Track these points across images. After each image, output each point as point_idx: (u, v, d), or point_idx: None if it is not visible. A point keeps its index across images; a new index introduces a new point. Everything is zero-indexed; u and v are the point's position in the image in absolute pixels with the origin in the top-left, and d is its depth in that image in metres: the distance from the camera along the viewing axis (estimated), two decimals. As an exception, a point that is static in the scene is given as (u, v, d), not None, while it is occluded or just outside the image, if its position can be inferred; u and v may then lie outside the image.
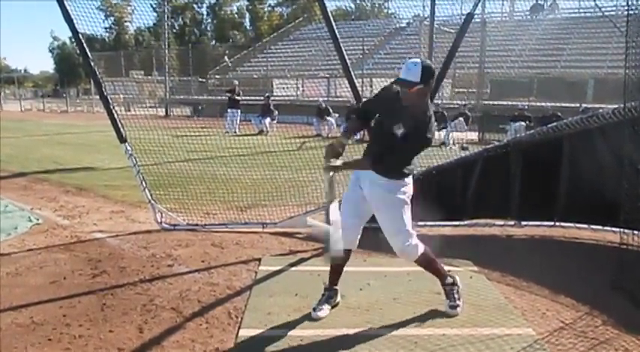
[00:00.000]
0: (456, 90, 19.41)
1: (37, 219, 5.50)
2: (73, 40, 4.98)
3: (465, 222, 5.23)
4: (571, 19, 21.75)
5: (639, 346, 2.92)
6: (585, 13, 19.95)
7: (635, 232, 3.71)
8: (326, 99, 17.78)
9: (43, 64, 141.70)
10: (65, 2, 4.67)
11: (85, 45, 4.87)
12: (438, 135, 13.74)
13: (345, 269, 4.11)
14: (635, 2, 3.67)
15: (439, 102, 14.06)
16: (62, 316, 3.20)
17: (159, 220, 5.22)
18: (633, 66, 3.66)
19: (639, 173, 3.59)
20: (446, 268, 3.78)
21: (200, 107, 21.11)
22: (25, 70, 65.42)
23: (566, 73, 19.52)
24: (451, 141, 13.00)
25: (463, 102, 15.52)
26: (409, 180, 3.13)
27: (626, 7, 3.76)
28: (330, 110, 15.95)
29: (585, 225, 5.08)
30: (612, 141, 4.41)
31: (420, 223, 5.23)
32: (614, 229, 4.47)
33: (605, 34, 16.90)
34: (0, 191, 6.95)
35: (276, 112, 16.56)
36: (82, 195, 6.89)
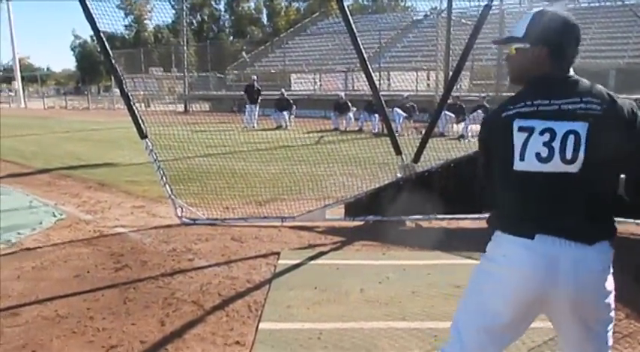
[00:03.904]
0: (474, 82, 19.15)
1: (61, 214, 5.62)
2: (95, 38, 5.05)
3: (485, 215, 5.17)
4: (590, 8, 21.22)
5: (663, 340, 2.86)
6: (605, 2, 19.45)
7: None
8: (344, 93, 17.72)
9: (64, 62, 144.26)
10: (87, 1, 4.74)
11: (106, 43, 4.94)
12: (457, 127, 13.62)
13: (364, 262, 4.15)
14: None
15: (458, 94, 13.90)
16: (86, 309, 3.27)
17: (179, 215, 5.28)
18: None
19: None
20: (465, 261, 3.76)
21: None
22: (48, 69, 66.74)
23: (586, 63, 19.08)
24: (470, 134, 12.84)
25: (482, 95, 15.31)
26: None
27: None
28: (349, 104, 15.91)
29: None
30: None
31: (440, 216, 5.22)
32: (637, 221, 4.38)
33: (626, 23, 16.49)
34: (25, 187, 7.13)
35: (295, 107, 16.58)
36: (104, 190, 7.01)
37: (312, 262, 4.14)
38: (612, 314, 1.65)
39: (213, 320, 3.14)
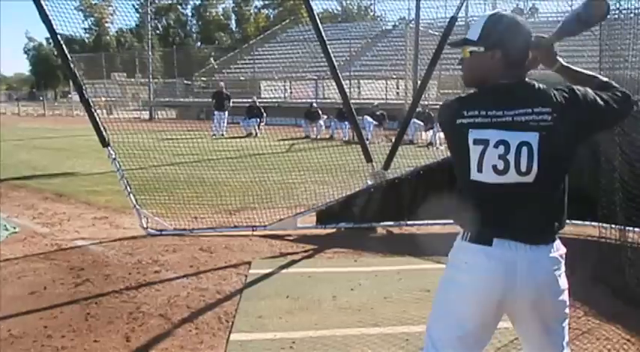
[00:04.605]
0: (442, 91, 19.52)
1: (14, 228, 5.30)
2: (51, 41, 4.86)
3: (453, 221, 5.23)
4: (549, 22, 22.02)
5: (619, 334, 3.00)
6: (563, 17, 20.33)
7: (613, 226, 3.84)
8: (314, 100, 17.75)
9: (17, 65, 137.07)
10: (42, 2, 4.56)
11: (64, 46, 4.76)
12: (425, 135, 13.83)
13: (336, 269, 4.12)
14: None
15: (426, 103, 14.14)
16: (43, 327, 3.09)
17: (144, 226, 5.11)
18: (607, 68, 3.87)
19: (614, 170, 3.71)
20: (435, 266, 3.78)
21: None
22: (-2, 72, 63.26)
23: (545, 74, 19.79)
24: (438, 142, 13.05)
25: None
26: None
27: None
28: (320, 112, 15.95)
29: (566, 220, 5.10)
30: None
31: (410, 222, 5.25)
32: (593, 223, 4.54)
33: (581, 38, 17.28)
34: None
35: (265, 114, 16.49)
36: (62, 201, 6.70)
37: (284, 271, 4.09)
38: (567, 310, 1.69)
39: (181, 333, 3.03)
